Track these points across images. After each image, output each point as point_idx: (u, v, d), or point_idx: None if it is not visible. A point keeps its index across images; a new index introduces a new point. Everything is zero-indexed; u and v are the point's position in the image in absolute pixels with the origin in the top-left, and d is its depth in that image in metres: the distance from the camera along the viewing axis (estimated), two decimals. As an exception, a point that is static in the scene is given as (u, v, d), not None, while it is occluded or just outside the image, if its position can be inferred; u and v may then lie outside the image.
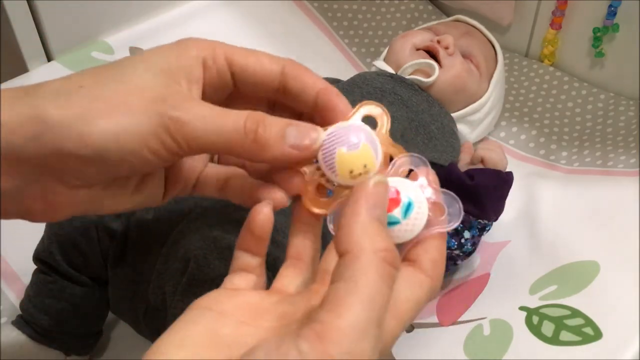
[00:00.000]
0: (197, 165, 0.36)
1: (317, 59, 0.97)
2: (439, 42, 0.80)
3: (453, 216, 0.31)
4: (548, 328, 0.58)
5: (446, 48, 0.79)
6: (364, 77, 0.78)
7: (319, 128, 0.33)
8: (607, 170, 0.79)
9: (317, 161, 0.33)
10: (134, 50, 0.72)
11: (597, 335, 0.56)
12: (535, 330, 0.58)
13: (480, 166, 0.70)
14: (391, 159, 0.33)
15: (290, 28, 0.99)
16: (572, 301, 0.60)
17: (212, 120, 0.31)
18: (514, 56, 1.00)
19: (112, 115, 0.29)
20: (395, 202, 0.30)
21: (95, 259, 0.61)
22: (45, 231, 0.62)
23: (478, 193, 0.65)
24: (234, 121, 0.31)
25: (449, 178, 0.66)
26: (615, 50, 0.89)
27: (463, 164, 0.72)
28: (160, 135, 0.30)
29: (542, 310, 0.60)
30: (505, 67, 0.90)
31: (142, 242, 0.59)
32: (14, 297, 0.67)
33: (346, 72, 0.91)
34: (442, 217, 0.31)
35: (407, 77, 0.77)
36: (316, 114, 0.34)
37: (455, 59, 0.79)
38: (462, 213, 0.31)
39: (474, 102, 0.81)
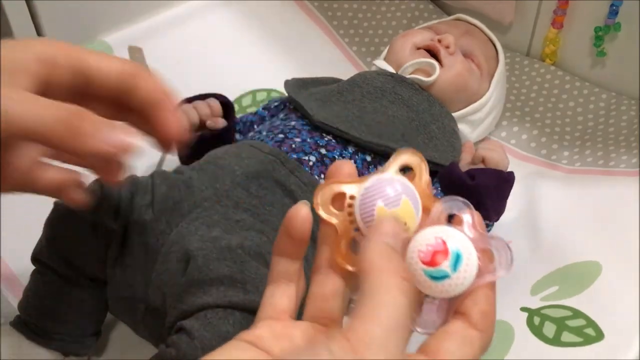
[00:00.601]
0: (26, 158, 0.38)
1: (317, 58, 0.97)
2: (439, 41, 0.79)
3: (503, 262, 0.29)
4: (549, 329, 0.58)
5: (447, 47, 0.79)
6: (364, 77, 0.78)
7: (133, 133, 0.35)
8: (609, 170, 0.78)
9: (349, 214, 0.31)
10: (133, 49, 0.71)
11: (599, 336, 0.56)
12: (537, 331, 0.58)
13: (481, 166, 0.70)
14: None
15: (290, 28, 0.99)
16: (574, 302, 0.60)
17: (31, 105, 0.32)
18: (515, 55, 0.99)
19: None
20: (442, 254, 0.28)
21: (94, 259, 0.61)
22: (44, 232, 0.62)
23: (479, 193, 0.64)
24: (56, 109, 0.32)
25: (450, 178, 0.66)
26: (616, 49, 0.88)
27: (464, 164, 0.72)
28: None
29: (544, 311, 0.60)
30: (506, 66, 0.90)
31: (141, 243, 0.59)
32: (12, 298, 0.67)
33: (346, 72, 0.91)
34: (491, 264, 0.29)
35: (408, 76, 0.77)
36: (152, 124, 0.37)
37: (456, 58, 0.79)
38: (512, 256, 0.29)
39: (475, 101, 0.81)
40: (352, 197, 0.31)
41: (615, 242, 0.66)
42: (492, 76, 0.84)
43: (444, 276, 0.28)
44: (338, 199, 0.31)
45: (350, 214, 0.31)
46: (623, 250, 0.64)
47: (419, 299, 0.29)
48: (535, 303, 0.61)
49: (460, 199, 0.31)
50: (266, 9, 1.00)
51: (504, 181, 0.67)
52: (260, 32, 0.97)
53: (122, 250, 0.60)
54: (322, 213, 0.31)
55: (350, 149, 0.69)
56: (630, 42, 0.86)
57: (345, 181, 0.32)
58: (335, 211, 0.31)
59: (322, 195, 0.31)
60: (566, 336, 0.57)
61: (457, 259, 0.28)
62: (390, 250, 0.28)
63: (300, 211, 0.32)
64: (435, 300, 0.29)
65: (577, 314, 0.58)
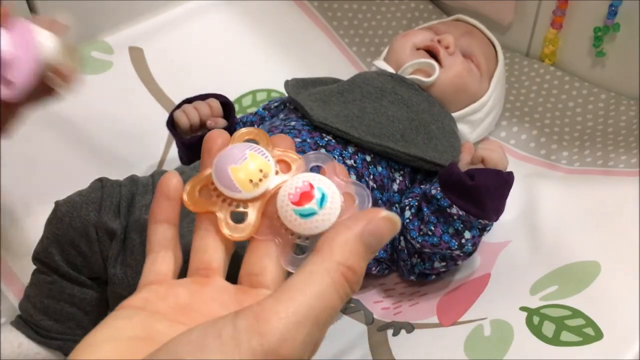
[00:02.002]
0: None
1: (317, 58, 0.97)
2: (439, 41, 0.79)
3: (363, 203, 0.32)
4: (549, 328, 0.58)
5: (447, 47, 0.79)
6: (364, 77, 0.78)
7: None
8: (608, 170, 0.79)
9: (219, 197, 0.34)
10: (133, 50, 0.72)
11: (598, 335, 0.56)
12: (536, 330, 0.58)
13: (480, 166, 0.70)
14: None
15: (290, 28, 0.99)
16: (573, 301, 0.60)
17: None
18: (515, 56, 0.99)
19: None
20: (310, 195, 0.31)
21: (95, 259, 0.61)
22: (45, 231, 0.62)
23: (478, 193, 0.65)
24: None
25: (450, 178, 0.66)
26: (616, 49, 0.89)
27: (463, 164, 0.72)
28: None
29: (543, 311, 0.60)
30: (505, 66, 0.90)
31: (141, 242, 0.59)
32: (13, 297, 0.67)
33: (346, 72, 0.91)
34: (353, 205, 0.32)
35: (408, 76, 0.77)
36: None
37: (456, 58, 0.79)
38: (370, 199, 0.32)
39: (475, 101, 0.81)
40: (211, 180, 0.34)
41: (614, 242, 0.66)
42: (491, 76, 0.84)
43: (312, 213, 0.31)
44: (205, 188, 0.34)
45: (219, 195, 0.34)
46: (622, 250, 0.64)
47: (290, 241, 0.32)
48: (534, 303, 0.61)
49: (323, 152, 0.33)
50: (266, 9, 1.00)
51: (503, 181, 0.67)
52: (260, 32, 0.98)
53: (122, 250, 0.60)
54: (194, 207, 0.34)
55: (350, 149, 0.69)
56: (630, 43, 0.86)
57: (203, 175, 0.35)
58: (203, 199, 0.34)
59: (186, 191, 0.34)
60: (565, 336, 0.57)
61: (323, 198, 0.31)
62: (361, 247, 0.28)
63: (173, 177, 0.34)
64: (306, 240, 0.32)
65: (576, 313, 0.59)
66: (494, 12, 0.98)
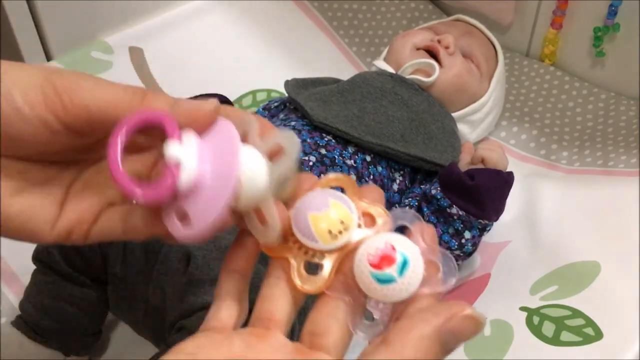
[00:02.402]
0: (97, 197, 0.33)
1: (317, 59, 0.97)
2: (439, 41, 0.80)
3: (448, 275, 0.30)
4: (549, 328, 0.58)
5: (446, 47, 0.79)
6: (364, 77, 0.78)
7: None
8: (608, 170, 0.79)
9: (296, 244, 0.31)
10: (133, 50, 0.71)
11: (598, 335, 0.56)
12: (536, 330, 0.58)
13: (480, 166, 0.70)
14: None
15: (290, 28, 0.99)
16: (573, 301, 0.60)
17: (101, 82, 0.30)
18: (515, 56, 0.99)
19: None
20: (391, 259, 0.29)
21: (95, 259, 0.61)
22: (45, 231, 0.62)
23: (478, 193, 0.65)
24: (125, 86, 0.31)
25: (449, 178, 0.66)
26: (616, 49, 0.89)
27: (463, 164, 0.72)
28: (44, 87, 0.29)
29: (543, 311, 0.60)
30: (505, 66, 0.90)
31: (141, 242, 0.59)
32: (13, 297, 0.67)
33: (346, 72, 0.91)
34: (436, 275, 0.30)
35: (408, 76, 0.77)
36: None
37: (456, 58, 0.79)
38: (457, 272, 0.30)
39: (475, 101, 0.81)
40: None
41: (614, 242, 0.66)
42: (491, 76, 0.84)
43: (390, 280, 0.29)
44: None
45: (295, 241, 0.31)
46: (622, 250, 0.64)
47: (363, 303, 0.30)
48: (534, 302, 0.61)
49: (412, 211, 0.31)
50: (266, 9, 1.00)
51: (503, 181, 0.67)
52: (260, 33, 0.98)
53: (122, 250, 0.60)
54: (268, 251, 0.32)
55: (350, 149, 0.69)
56: (630, 43, 0.86)
57: None
58: (279, 243, 0.31)
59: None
60: (565, 335, 0.57)
61: (404, 264, 0.29)
62: (439, 348, 0.27)
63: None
64: (379, 305, 0.30)
65: (576, 313, 0.59)
66: (494, 12, 0.98)
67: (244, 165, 0.29)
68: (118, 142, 0.29)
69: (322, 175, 0.65)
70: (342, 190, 0.32)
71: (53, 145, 0.31)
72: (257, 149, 0.30)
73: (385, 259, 0.29)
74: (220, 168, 0.29)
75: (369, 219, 0.31)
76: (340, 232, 0.30)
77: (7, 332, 0.62)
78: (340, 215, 0.30)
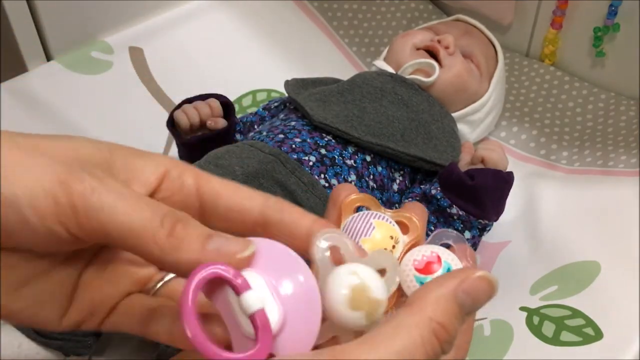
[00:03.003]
0: (112, 288, 0.30)
1: (317, 59, 0.97)
2: (439, 41, 0.79)
3: None
4: (549, 328, 0.58)
5: (446, 48, 0.79)
6: (364, 77, 0.78)
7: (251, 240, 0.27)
8: (608, 170, 0.79)
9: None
10: (133, 51, 0.71)
11: (598, 335, 0.56)
12: (536, 330, 0.58)
13: (480, 166, 0.70)
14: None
15: (290, 28, 0.99)
16: (573, 301, 0.60)
17: (126, 197, 0.25)
18: (515, 56, 0.99)
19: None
20: (436, 265, 0.31)
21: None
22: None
23: (478, 193, 0.65)
24: (154, 208, 0.26)
25: (449, 178, 0.66)
26: (616, 49, 0.89)
27: (463, 164, 0.72)
28: (57, 195, 0.25)
29: (543, 311, 0.60)
30: (505, 66, 0.90)
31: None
32: (13, 297, 0.67)
33: (346, 72, 0.91)
34: None
35: (408, 76, 0.77)
36: None
37: (456, 58, 0.79)
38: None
39: (475, 101, 0.81)
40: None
41: (614, 242, 0.66)
42: (491, 76, 0.84)
43: None
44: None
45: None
46: (622, 250, 0.64)
47: (401, 303, 0.31)
48: (534, 302, 0.61)
49: (455, 232, 0.33)
50: (266, 9, 1.00)
51: (503, 181, 0.67)
52: (260, 33, 0.98)
53: (122, 250, 0.60)
54: None
55: (350, 149, 0.69)
56: (629, 43, 0.86)
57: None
58: None
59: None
60: (565, 335, 0.57)
61: (448, 272, 0.30)
62: (454, 306, 0.26)
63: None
64: None
65: (576, 313, 0.59)
66: (494, 12, 0.98)
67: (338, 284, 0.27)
68: (191, 312, 0.24)
69: (322, 175, 0.65)
70: (367, 208, 0.34)
71: (60, 247, 0.27)
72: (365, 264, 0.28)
73: (430, 266, 0.31)
74: (300, 293, 0.26)
75: (403, 227, 0.33)
76: (393, 247, 0.32)
77: (6, 332, 0.62)
78: (386, 232, 0.32)
